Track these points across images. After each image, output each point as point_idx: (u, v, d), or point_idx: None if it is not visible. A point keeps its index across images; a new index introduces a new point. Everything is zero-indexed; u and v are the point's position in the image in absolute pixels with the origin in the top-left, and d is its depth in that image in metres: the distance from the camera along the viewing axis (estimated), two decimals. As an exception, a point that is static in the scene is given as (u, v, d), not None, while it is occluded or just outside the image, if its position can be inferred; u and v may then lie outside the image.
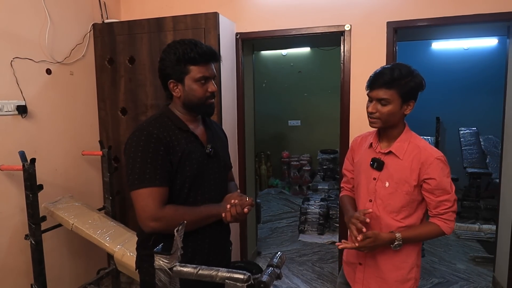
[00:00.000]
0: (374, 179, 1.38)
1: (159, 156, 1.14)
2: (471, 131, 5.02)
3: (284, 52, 5.81)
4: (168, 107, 1.28)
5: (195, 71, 1.20)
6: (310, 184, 5.11)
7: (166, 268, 0.89)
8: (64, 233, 2.33)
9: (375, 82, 1.30)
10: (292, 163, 5.66)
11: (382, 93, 1.28)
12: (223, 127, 2.38)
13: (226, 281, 0.86)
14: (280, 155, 5.88)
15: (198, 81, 1.21)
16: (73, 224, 2.04)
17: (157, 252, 0.90)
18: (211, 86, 1.25)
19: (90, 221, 2.09)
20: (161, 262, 0.89)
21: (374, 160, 1.38)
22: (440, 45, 5.33)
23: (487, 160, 4.75)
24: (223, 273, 0.87)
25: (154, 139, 1.15)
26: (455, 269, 3.07)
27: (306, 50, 5.70)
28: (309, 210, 3.94)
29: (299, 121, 5.93)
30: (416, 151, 1.32)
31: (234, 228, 2.80)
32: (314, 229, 3.87)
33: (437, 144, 5.36)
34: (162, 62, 1.22)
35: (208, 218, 1.20)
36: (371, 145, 1.43)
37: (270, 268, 1.32)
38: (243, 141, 2.82)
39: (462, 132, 5.05)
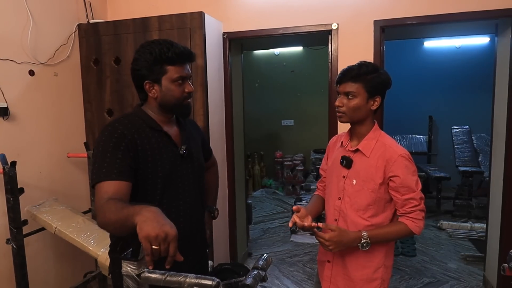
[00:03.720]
0: (343, 177, 1.39)
1: (119, 152, 1.11)
2: (464, 129, 5.03)
3: (276, 51, 5.80)
4: (140, 108, 1.26)
5: (172, 72, 1.19)
6: (303, 184, 5.10)
7: (134, 275, 0.86)
8: (49, 236, 2.30)
9: (343, 77, 1.34)
10: (285, 163, 5.64)
11: (348, 87, 1.32)
12: (210, 129, 2.39)
13: (194, 287, 0.84)
14: (274, 155, 5.87)
15: (176, 81, 1.20)
16: (56, 228, 2.01)
17: (124, 258, 0.87)
18: (188, 86, 1.24)
19: (73, 225, 2.05)
20: (128, 268, 0.87)
21: (343, 158, 1.40)
22: (432, 44, 5.33)
23: (480, 159, 4.76)
24: (191, 279, 0.84)
25: (117, 134, 1.13)
26: (446, 269, 3.06)
27: (298, 49, 5.68)
28: (301, 210, 3.91)
29: (292, 120, 5.93)
30: (382, 149, 1.33)
31: (223, 229, 2.78)
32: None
33: (429, 143, 5.38)
34: (137, 62, 1.20)
35: (126, 220, 0.89)
36: (342, 143, 1.46)
37: (255, 271, 1.29)
38: (232, 142, 2.80)
39: (454, 130, 5.05)
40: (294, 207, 1.37)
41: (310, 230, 1.32)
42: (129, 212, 0.89)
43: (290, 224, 1.34)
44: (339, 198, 1.40)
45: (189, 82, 1.24)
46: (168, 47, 1.16)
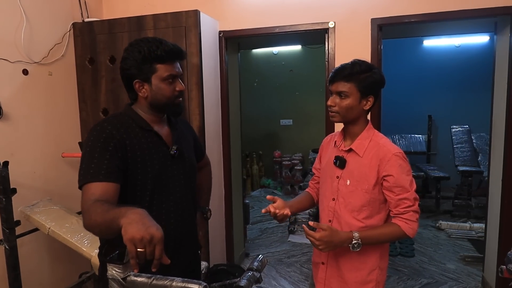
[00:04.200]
0: (337, 177, 1.37)
1: (107, 152, 1.08)
2: (463, 129, 5.00)
3: (275, 50, 5.77)
4: (130, 107, 1.24)
5: (162, 70, 1.17)
6: (301, 184, 5.07)
7: (119, 278, 0.84)
8: (44, 237, 2.27)
9: (336, 76, 1.31)
10: (284, 162, 5.61)
11: (341, 86, 1.29)
12: (206, 129, 2.36)
13: (181, 291, 0.82)
14: (272, 155, 5.84)
15: (166, 80, 1.18)
16: (49, 228, 1.99)
17: (109, 261, 0.85)
18: (179, 85, 1.21)
19: (67, 225, 2.03)
20: (114, 271, 0.84)
21: (337, 158, 1.38)
22: (431, 43, 5.30)
23: (479, 158, 4.73)
24: (178, 283, 0.82)
25: (105, 134, 1.11)
26: (444, 269, 3.04)
27: (297, 48, 5.65)
28: (299, 210, 3.89)
29: (291, 120, 5.90)
30: (375, 148, 1.31)
31: (219, 229, 2.76)
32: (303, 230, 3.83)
33: (429, 143, 5.35)
34: (125, 61, 1.18)
35: (112, 222, 0.87)
36: (335, 143, 1.43)
37: (249, 272, 1.27)
38: (228, 142, 2.77)
39: (454, 130, 5.02)
40: (269, 197, 1.37)
41: (283, 220, 1.35)
42: (115, 214, 0.87)
43: (263, 211, 1.34)
44: (333, 199, 1.38)
45: (180, 81, 1.22)
46: (157, 45, 1.14)
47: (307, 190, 1.60)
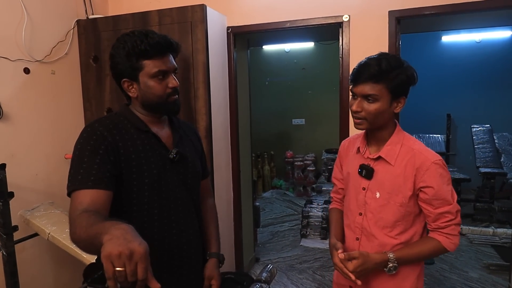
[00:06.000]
0: (364, 189, 1.19)
1: (98, 156, 0.98)
2: (484, 128, 4.77)
3: (287, 48, 5.64)
4: (127, 106, 1.13)
5: (149, 66, 1.05)
6: (314, 185, 4.93)
7: (101, 304, 0.73)
8: (46, 241, 2.20)
9: (360, 75, 1.10)
10: (296, 163, 5.47)
11: (368, 88, 1.09)
12: (213, 129, 2.24)
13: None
14: (284, 155, 5.71)
15: (155, 76, 1.06)
16: (49, 234, 1.91)
17: (90, 284, 0.74)
18: (172, 81, 1.09)
19: (67, 230, 1.94)
20: (95, 296, 0.73)
21: (362, 167, 1.19)
22: (450, 38, 5.10)
23: (502, 159, 4.50)
24: (167, 312, 0.71)
25: (96, 136, 1.00)
26: (467, 278, 2.86)
27: (309, 46, 5.51)
28: (312, 214, 3.75)
29: (303, 119, 5.76)
30: (410, 155, 1.13)
31: (228, 234, 2.64)
32: (316, 233, 3.69)
33: (448, 143, 5.14)
34: (112, 59, 1.07)
35: (94, 239, 0.76)
36: (358, 149, 1.24)
37: (257, 284, 1.15)
38: (237, 142, 2.66)
39: (474, 129, 4.79)
40: (338, 254, 1.13)
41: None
42: (98, 230, 0.76)
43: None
44: (360, 214, 1.20)
45: (173, 76, 1.10)
46: (141, 39, 1.03)
47: (335, 207, 1.42)
